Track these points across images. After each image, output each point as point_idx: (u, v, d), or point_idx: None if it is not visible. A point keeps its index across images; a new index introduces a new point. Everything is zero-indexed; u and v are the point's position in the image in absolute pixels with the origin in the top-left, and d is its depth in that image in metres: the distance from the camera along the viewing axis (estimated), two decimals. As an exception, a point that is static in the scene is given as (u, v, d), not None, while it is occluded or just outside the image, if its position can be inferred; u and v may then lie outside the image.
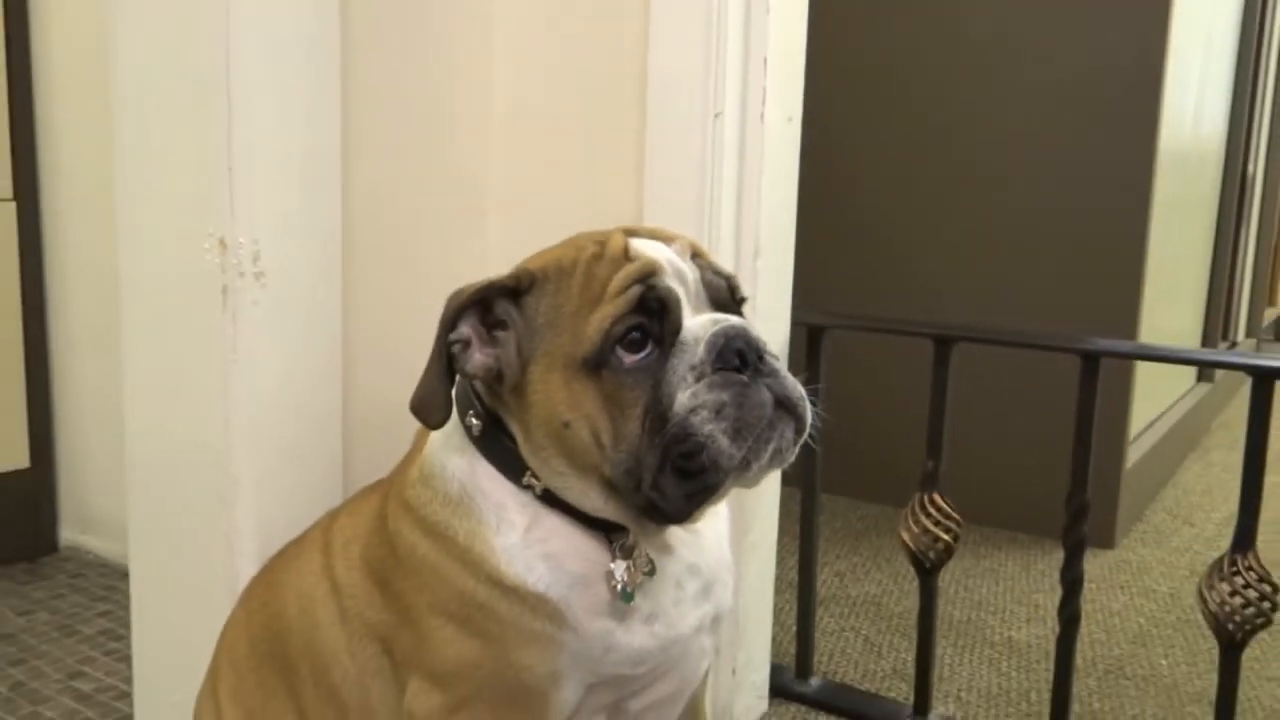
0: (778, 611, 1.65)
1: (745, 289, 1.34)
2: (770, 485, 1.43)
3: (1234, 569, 1.25)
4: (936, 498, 1.44)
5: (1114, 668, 1.71)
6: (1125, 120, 2.27)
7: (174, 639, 1.26)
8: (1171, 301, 2.94)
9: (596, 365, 0.79)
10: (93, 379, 2.03)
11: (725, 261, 1.29)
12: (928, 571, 1.45)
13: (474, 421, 0.87)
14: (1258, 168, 4.04)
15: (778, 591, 1.54)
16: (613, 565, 0.84)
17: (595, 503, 0.84)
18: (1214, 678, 1.26)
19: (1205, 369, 3.61)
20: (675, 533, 0.90)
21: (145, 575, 1.30)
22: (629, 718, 0.92)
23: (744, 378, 0.79)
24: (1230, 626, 1.25)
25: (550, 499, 0.85)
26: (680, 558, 0.90)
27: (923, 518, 1.44)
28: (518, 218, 1.40)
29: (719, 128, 1.25)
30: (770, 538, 1.46)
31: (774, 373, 0.81)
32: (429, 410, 0.83)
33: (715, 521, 0.96)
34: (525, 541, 0.84)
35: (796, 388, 0.81)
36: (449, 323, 0.82)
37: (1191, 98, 2.81)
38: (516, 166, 1.40)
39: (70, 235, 2.01)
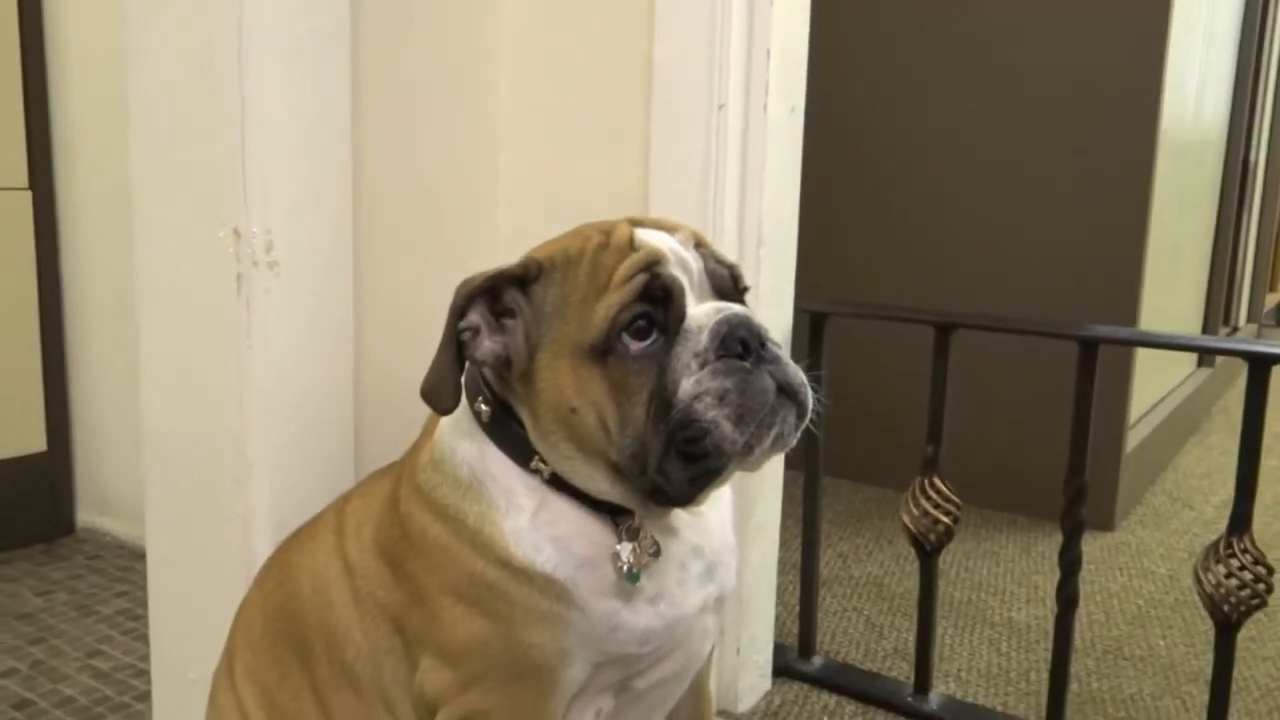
0: (781, 592, 1.68)
1: (748, 277, 1.36)
2: (773, 469, 1.45)
3: (1229, 551, 1.27)
4: (937, 481, 1.46)
5: (1112, 648, 1.74)
6: (1126, 107, 2.28)
7: (190, 618, 1.29)
8: (1172, 287, 2.95)
9: (603, 352, 0.81)
10: (109, 364, 2.05)
11: (729, 250, 1.31)
12: (928, 553, 1.48)
13: (483, 407, 0.90)
14: (1259, 155, 4.04)
15: (781, 573, 1.57)
16: (619, 547, 0.87)
17: (602, 486, 0.86)
18: (1210, 658, 1.29)
19: (1206, 355, 3.62)
20: (679, 515, 0.92)
21: (162, 556, 1.33)
22: (635, 696, 0.95)
23: (747, 365, 0.81)
24: (1225, 608, 1.27)
25: (558, 483, 0.87)
26: (684, 540, 0.93)
27: (923, 501, 1.47)
28: (526, 207, 1.42)
29: (723, 119, 1.27)
30: (773, 520, 1.49)
31: (776, 360, 0.83)
32: (440, 396, 0.85)
33: (718, 505, 0.99)
34: (533, 524, 0.86)
35: (798, 374, 0.83)
36: (459, 311, 0.84)
37: (1193, 85, 2.82)
38: (524, 158, 1.42)
39: (85, 224, 2.04)
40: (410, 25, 1.32)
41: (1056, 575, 1.38)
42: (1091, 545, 2.24)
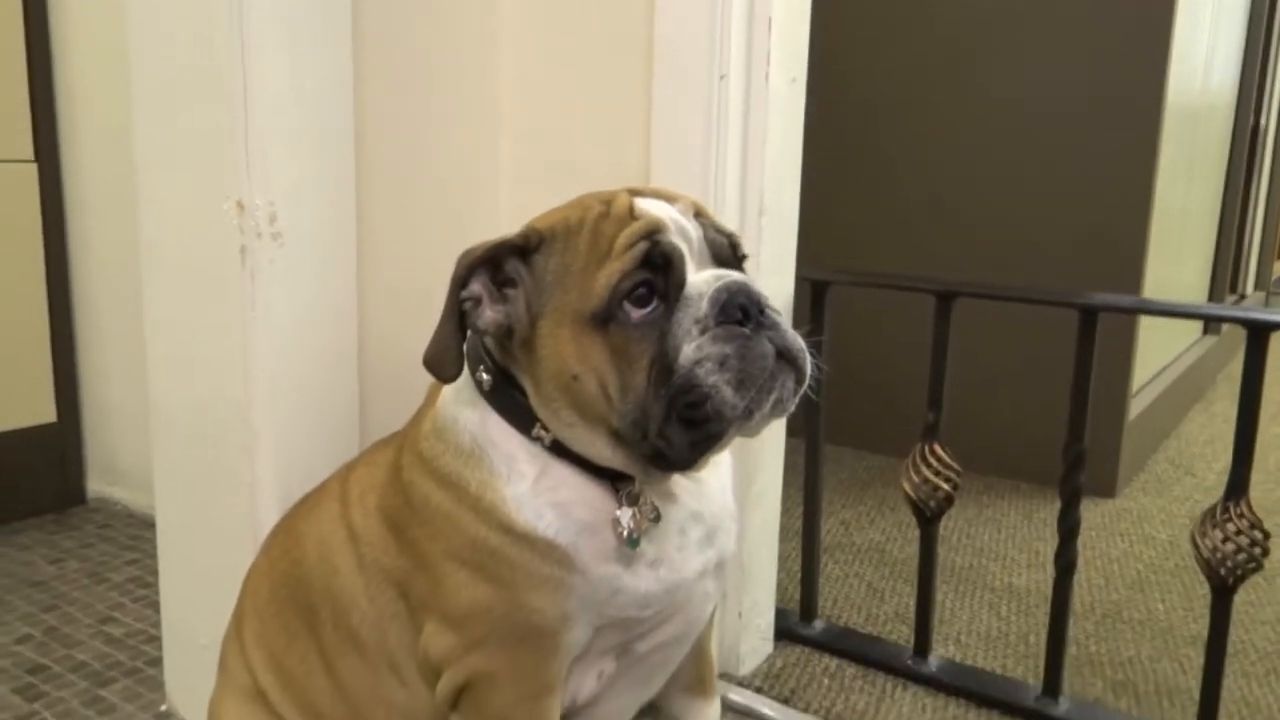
0: (784, 559, 1.70)
1: (750, 246, 1.37)
2: (774, 436, 1.46)
3: (1226, 516, 1.28)
4: (937, 448, 1.47)
5: (1112, 612, 1.76)
6: (1132, 73, 2.27)
7: (200, 585, 1.31)
8: (1178, 256, 2.94)
9: (604, 320, 0.83)
10: (116, 335, 2.07)
11: (730, 220, 1.31)
12: (928, 520, 1.49)
13: (485, 376, 0.91)
14: (1269, 121, 4.02)
15: (784, 540, 1.59)
16: (619, 513, 0.88)
17: (603, 453, 0.87)
18: (1209, 621, 1.30)
19: (1211, 323, 3.62)
20: (679, 481, 0.94)
21: (171, 524, 1.35)
22: (636, 658, 0.97)
23: (746, 331, 0.82)
24: (1222, 571, 1.28)
25: (559, 450, 0.89)
26: (684, 505, 0.94)
27: (923, 468, 1.48)
28: (527, 178, 1.43)
29: (724, 90, 1.27)
30: (774, 487, 1.50)
31: (775, 326, 0.84)
32: (442, 365, 0.86)
33: (718, 471, 1.00)
34: (535, 490, 0.88)
35: (797, 340, 0.85)
36: (460, 280, 0.86)
37: (1201, 51, 2.80)
38: (525, 128, 1.43)
39: (92, 195, 2.05)
40: (410, 1, 1.32)
41: (1057, 541, 1.40)
42: (1093, 512, 2.25)
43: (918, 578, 1.51)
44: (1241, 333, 1.29)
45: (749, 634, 1.49)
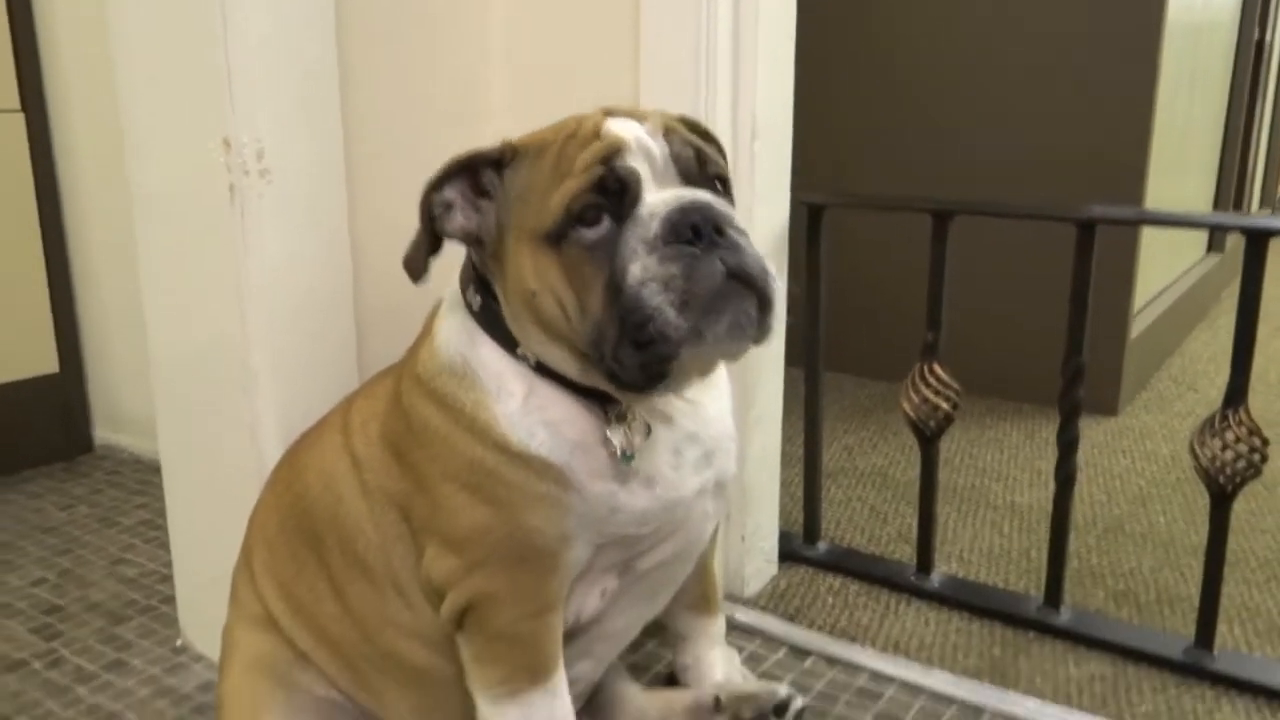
0: (789, 485, 1.71)
1: (743, 170, 1.36)
2: (772, 362, 1.46)
3: (1225, 424, 1.29)
4: (936, 368, 1.48)
5: (1113, 526, 1.77)
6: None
7: (207, 523, 1.33)
8: (1181, 175, 2.91)
9: (557, 240, 0.83)
10: (114, 283, 2.07)
11: (723, 145, 1.30)
12: (928, 439, 1.50)
13: (474, 296, 0.92)
14: (1274, 36, 3.95)
15: (788, 466, 1.60)
16: (608, 432, 0.89)
17: (575, 371, 0.88)
18: (1209, 532, 1.32)
19: (1216, 239, 3.60)
20: (674, 403, 0.94)
21: (176, 467, 1.37)
22: (638, 576, 0.98)
23: (696, 250, 0.80)
24: (1221, 480, 1.29)
25: (544, 370, 0.89)
26: (680, 427, 0.95)
27: (923, 388, 1.48)
28: (516, 107, 1.42)
29: (713, 8, 1.25)
30: (775, 412, 1.51)
31: (733, 246, 0.82)
32: (413, 267, 0.89)
33: (715, 394, 1.00)
34: (525, 409, 0.88)
35: (757, 261, 0.82)
36: (433, 185, 0.88)
37: (1202, -40, 2.74)
38: (514, 56, 1.41)
39: (81, 142, 2.03)
40: (391, -78, 1.30)
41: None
42: (1095, 430, 2.26)
43: (919, 495, 1.52)
44: (1246, 250, 1.28)
45: (753, 556, 1.51)
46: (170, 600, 1.46)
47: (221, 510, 1.29)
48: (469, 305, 0.92)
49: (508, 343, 0.90)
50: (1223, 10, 3.19)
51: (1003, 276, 2.40)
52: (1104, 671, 1.32)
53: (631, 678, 1.22)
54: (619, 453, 0.88)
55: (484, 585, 0.90)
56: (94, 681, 1.31)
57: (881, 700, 1.26)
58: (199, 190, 1.20)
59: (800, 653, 1.36)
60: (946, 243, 1.45)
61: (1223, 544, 1.31)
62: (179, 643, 1.40)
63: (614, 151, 0.84)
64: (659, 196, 0.83)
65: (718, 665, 1.23)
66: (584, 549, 0.91)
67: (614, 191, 0.83)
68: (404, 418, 0.94)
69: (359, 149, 1.30)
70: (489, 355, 0.90)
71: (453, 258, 0.95)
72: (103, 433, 2.18)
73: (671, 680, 1.26)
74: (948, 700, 1.26)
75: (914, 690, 1.28)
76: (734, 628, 1.41)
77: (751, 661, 1.33)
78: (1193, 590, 1.50)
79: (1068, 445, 1.39)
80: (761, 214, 1.38)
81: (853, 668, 1.33)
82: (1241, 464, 1.28)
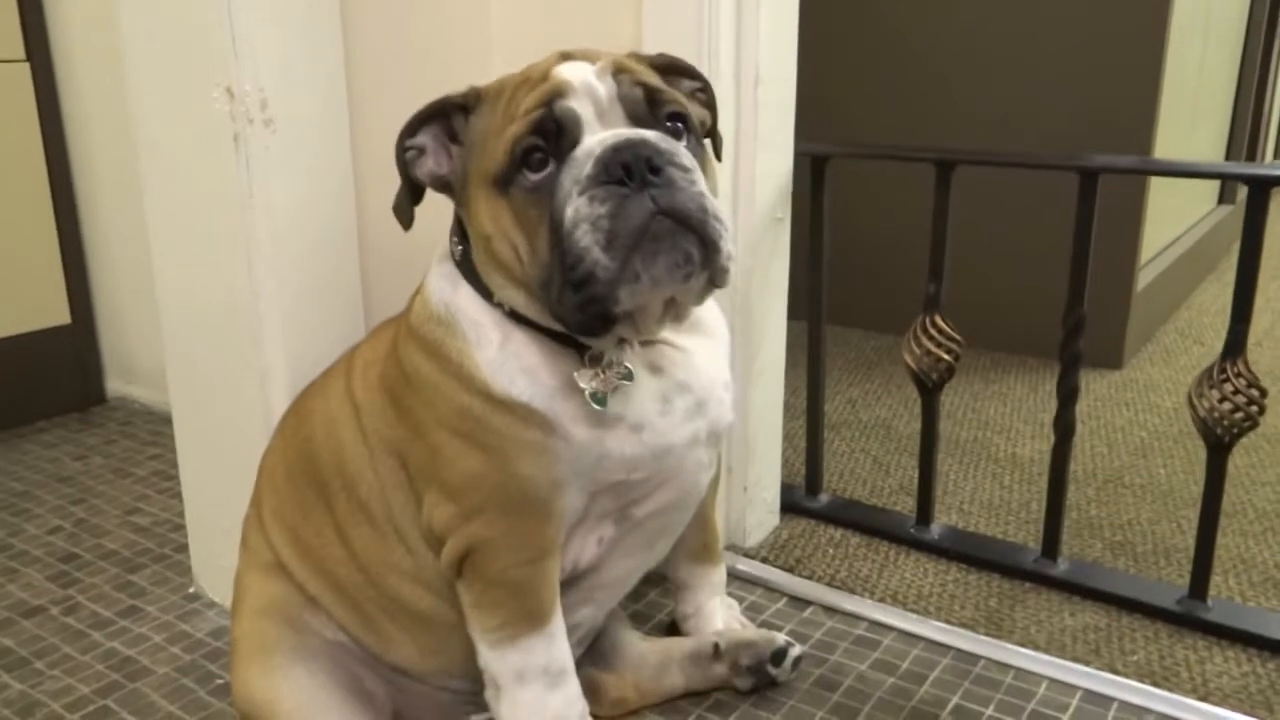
0: (791, 436, 1.73)
1: (746, 119, 1.36)
2: (774, 313, 1.47)
3: (1223, 376, 1.29)
4: (938, 319, 1.48)
5: (1113, 477, 1.79)
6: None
7: (218, 473, 1.35)
8: (1191, 124, 2.88)
9: (505, 183, 0.85)
10: (123, 234, 2.08)
11: (726, 92, 1.30)
12: (930, 391, 1.51)
13: (456, 245, 0.94)
14: (1292, -21, 3.87)
15: (792, 418, 1.61)
16: (576, 374, 0.90)
17: (540, 316, 0.89)
18: (1210, 484, 1.33)
19: (1228, 191, 3.57)
20: (665, 352, 0.96)
21: (187, 417, 1.39)
22: (635, 524, 1.00)
23: (626, 190, 0.80)
24: (1219, 431, 1.30)
25: (518, 317, 0.91)
26: (669, 375, 0.96)
27: (924, 340, 1.49)
28: (519, 52, 1.41)
29: (714, -46, 1.24)
30: (777, 364, 1.51)
31: (668, 183, 0.81)
32: (400, 215, 0.92)
33: (707, 342, 1.02)
34: (503, 355, 0.90)
35: (694, 200, 0.81)
36: (406, 131, 0.90)
37: (1218, -96, 2.69)
38: (516, 4, 1.40)
39: (87, 92, 2.03)
40: None
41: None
42: (1099, 383, 2.27)
43: (920, 446, 1.54)
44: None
45: (755, 508, 1.52)
46: (183, 549, 1.49)
47: (232, 460, 1.31)
48: (452, 253, 0.94)
49: (484, 290, 0.92)
50: (1239, -44, 3.14)
51: (1009, 230, 2.39)
52: (1098, 622, 1.34)
53: (632, 625, 1.24)
54: (588, 394, 0.89)
55: (481, 532, 0.92)
56: (110, 627, 1.35)
57: (878, 649, 1.28)
58: (203, 140, 1.21)
59: (800, 603, 1.39)
60: (950, 193, 1.45)
61: (1219, 495, 1.32)
62: (191, 590, 1.43)
63: (557, 94, 0.84)
64: (596, 138, 0.83)
65: (718, 614, 1.25)
66: (577, 496, 0.93)
67: (553, 133, 0.83)
68: (399, 364, 0.96)
69: (361, 96, 1.30)
70: (468, 303, 0.92)
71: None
72: (115, 384, 2.21)
73: (673, 629, 1.29)
74: (943, 649, 1.28)
75: (910, 639, 1.30)
76: (735, 578, 1.43)
77: (752, 611, 1.36)
78: (1190, 542, 1.51)
79: (1067, 396, 1.40)
80: (765, 161, 1.37)
81: (851, 617, 1.35)
82: (1239, 415, 1.29)
